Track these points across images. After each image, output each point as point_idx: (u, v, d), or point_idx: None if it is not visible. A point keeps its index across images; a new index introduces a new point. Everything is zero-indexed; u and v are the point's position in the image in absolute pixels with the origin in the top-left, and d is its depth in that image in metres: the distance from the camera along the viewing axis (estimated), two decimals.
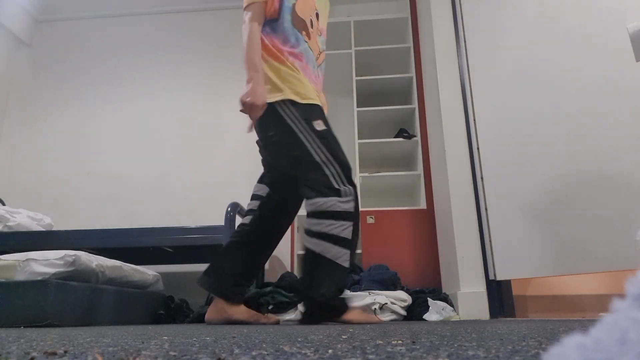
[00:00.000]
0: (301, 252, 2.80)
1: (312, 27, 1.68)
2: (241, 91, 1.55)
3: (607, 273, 2.00)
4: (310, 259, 1.47)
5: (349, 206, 1.46)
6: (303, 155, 1.50)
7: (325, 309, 1.46)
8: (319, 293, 1.43)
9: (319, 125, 1.52)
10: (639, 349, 0.17)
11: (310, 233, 1.47)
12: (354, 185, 1.51)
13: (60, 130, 3.51)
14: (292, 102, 1.54)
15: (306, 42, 1.64)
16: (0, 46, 3.52)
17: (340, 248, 1.44)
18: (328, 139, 1.52)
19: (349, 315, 1.47)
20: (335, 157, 1.50)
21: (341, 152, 1.54)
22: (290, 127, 1.53)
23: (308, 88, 1.59)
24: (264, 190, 1.72)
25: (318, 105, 1.60)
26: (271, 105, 1.55)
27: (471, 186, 2.28)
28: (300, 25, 1.65)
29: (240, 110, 1.55)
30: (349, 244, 1.46)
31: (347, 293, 1.93)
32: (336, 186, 1.47)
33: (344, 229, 1.44)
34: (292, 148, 1.53)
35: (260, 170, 3.26)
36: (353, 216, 1.47)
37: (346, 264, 1.44)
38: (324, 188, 1.47)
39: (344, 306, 1.48)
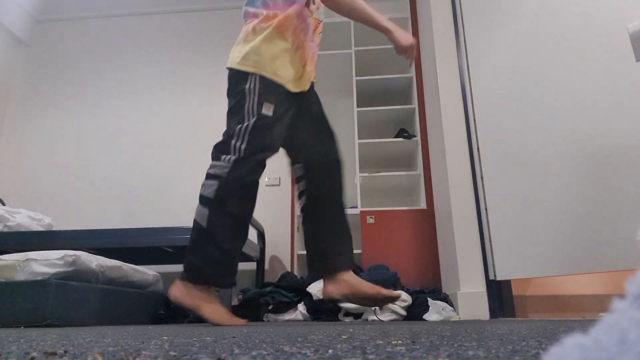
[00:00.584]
0: (301, 252, 2.80)
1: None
2: (398, 35, 1.57)
3: (607, 273, 2.00)
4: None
5: (219, 171, 1.52)
6: (233, 122, 1.55)
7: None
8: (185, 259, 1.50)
9: (267, 109, 1.53)
10: (639, 349, 0.17)
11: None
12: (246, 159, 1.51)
13: (60, 130, 3.51)
14: (262, 77, 1.55)
15: (310, 13, 1.66)
16: (0, 46, 3.52)
17: (200, 206, 1.52)
18: (264, 124, 1.52)
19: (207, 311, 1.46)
20: (251, 138, 1.51)
21: (268, 138, 1.52)
22: (244, 98, 1.55)
23: (288, 69, 1.58)
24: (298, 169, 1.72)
25: (283, 86, 1.57)
26: (244, 72, 1.56)
27: (471, 186, 2.28)
28: None
29: (400, 54, 1.60)
30: (208, 202, 1.51)
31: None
32: (227, 153, 1.53)
33: (205, 187, 1.54)
34: (234, 113, 1.56)
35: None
36: (220, 179, 1.52)
37: (203, 223, 1.48)
38: (218, 150, 1.56)
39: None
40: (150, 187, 3.29)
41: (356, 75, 3.09)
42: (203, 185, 1.55)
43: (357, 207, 2.75)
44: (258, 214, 2.94)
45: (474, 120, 2.34)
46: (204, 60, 3.60)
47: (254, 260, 2.82)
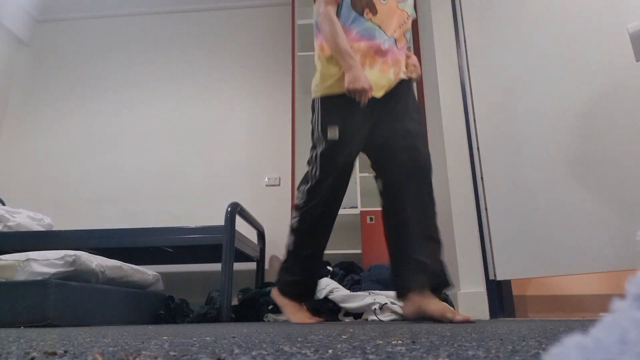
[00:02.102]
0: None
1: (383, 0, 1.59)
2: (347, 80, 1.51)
3: (607, 273, 2.00)
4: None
5: (299, 202, 1.66)
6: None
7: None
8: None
9: (332, 133, 1.55)
10: (639, 349, 0.17)
11: None
12: (315, 190, 1.61)
13: (60, 130, 3.51)
14: (322, 98, 1.59)
15: (369, 20, 1.56)
16: (0, 46, 3.52)
17: (289, 235, 1.69)
18: (332, 149, 1.58)
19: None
20: (323, 165, 1.60)
21: (340, 161, 1.59)
22: (313, 126, 1.65)
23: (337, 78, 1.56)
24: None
25: (345, 97, 1.51)
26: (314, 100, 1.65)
27: (471, 186, 2.28)
28: (360, 5, 1.56)
29: (349, 95, 1.53)
30: (293, 231, 1.67)
31: (321, 288, 2.05)
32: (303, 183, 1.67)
33: (292, 218, 1.68)
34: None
35: (259, 171, 3.27)
36: (298, 208, 1.66)
37: (289, 247, 1.68)
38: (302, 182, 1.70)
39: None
40: (150, 187, 3.29)
41: None
42: (292, 217, 1.69)
43: (357, 207, 2.75)
44: (258, 214, 2.94)
45: (474, 120, 2.34)
46: (204, 61, 3.60)
47: (254, 260, 2.82)
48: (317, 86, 1.60)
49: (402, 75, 1.62)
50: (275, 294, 1.73)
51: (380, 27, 1.57)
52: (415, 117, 1.61)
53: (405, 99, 1.61)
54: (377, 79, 1.54)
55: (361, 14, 1.56)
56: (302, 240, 1.65)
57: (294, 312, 1.67)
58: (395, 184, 1.56)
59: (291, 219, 1.68)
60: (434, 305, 1.46)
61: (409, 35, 1.76)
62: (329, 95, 1.57)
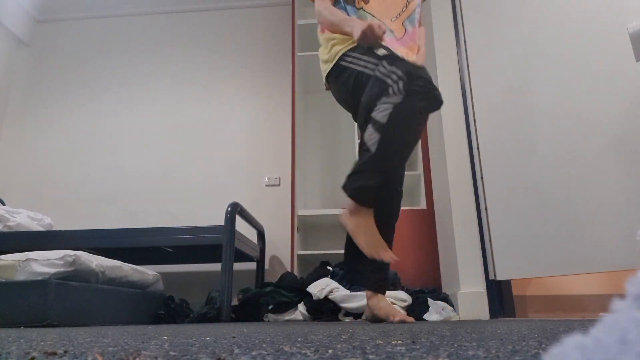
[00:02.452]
0: (301, 252, 2.80)
1: None
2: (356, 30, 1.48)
3: (607, 273, 2.00)
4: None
5: (394, 99, 1.42)
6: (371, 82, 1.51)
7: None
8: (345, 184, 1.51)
9: (379, 51, 1.51)
10: (639, 349, 0.17)
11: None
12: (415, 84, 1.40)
13: (60, 130, 3.51)
14: (350, 50, 1.58)
15: (361, 9, 1.63)
16: (0, 46, 3.52)
17: (372, 129, 1.43)
18: (389, 57, 1.48)
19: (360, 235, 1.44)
20: (397, 67, 1.43)
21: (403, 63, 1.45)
22: (355, 69, 1.56)
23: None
24: None
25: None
26: (335, 65, 1.63)
27: (471, 186, 2.28)
28: None
29: (364, 44, 1.51)
30: (382, 127, 1.41)
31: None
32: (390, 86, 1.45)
33: (380, 111, 1.42)
34: (364, 83, 1.53)
35: (259, 171, 3.27)
36: (394, 104, 1.41)
37: (372, 148, 1.43)
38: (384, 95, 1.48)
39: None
40: (150, 187, 3.29)
41: None
42: (376, 110, 1.43)
43: None
44: (258, 214, 2.94)
45: (474, 120, 2.34)
46: (204, 61, 3.60)
47: (254, 260, 2.82)
48: (333, 48, 1.63)
49: None
50: (345, 215, 1.48)
51: (374, 16, 1.61)
52: None
53: None
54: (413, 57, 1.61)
55: (353, 3, 1.62)
56: (392, 139, 1.42)
57: (367, 238, 1.43)
58: None
59: (377, 112, 1.42)
60: (381, 309, 1.55)
61: (414, 20, 1.68)
62: (350, 48, 1.58)
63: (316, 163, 3.29)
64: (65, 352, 0.49)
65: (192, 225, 2.35)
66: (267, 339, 0.66)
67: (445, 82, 2.46)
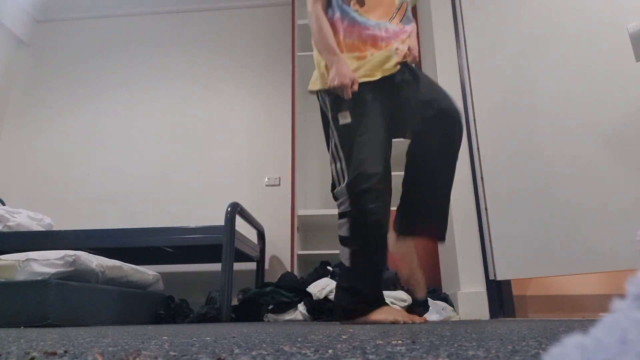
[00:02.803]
0: (301, 252, 2.80)
1: None
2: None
3: (607, 273, 2.00)
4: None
5: (343, 207, 1.46)
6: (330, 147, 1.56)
7: (338, 310, 1.48)
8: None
9: (343, 118, 1.49)
10: (639, 349, 0.17)
11: None
12: (364, 181, 1.41)
13: (60, 130, 3.51)
14: (325, 91, 1.55)
15: (356, 11, 1.57)
16: (0, 46, 3.52)
17: (341, 247, 1.47)
18: (348, 134, 1.47)
19: (375, 316, 1.39)
20: (345, 154, 1.48)
21: (358, 148, 1.44)
22: (326, 117, 1.58)
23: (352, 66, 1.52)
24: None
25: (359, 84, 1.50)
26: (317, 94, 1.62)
27: (471, 186, 2.28)
28: None
29: (335, 93, 1.50)
30: (346, 241, 1.44)
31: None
32: (336, 185, 1.50)
33: (340, 226, 1.46)
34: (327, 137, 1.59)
35: (259, 171, 3.27)
36: (349, 214, 1.44)
37: (346, 262, 1.44)
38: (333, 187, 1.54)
39: (361, 307, 1.42)
40: (150, 187, 3.29)
41: None
42: (338, 226, 1.48)
43: None
44: (258, 214, 2.94)
45: (474, 120, 2.34)
46: (204, 60, 3.60)
47: (254, 260, 2.82)
48: (317, 78, 1.60)
49: (402, 59, 1.57)
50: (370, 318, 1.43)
51: (368, 21, 1.58)
52: (437, 88, 1.57)
53: (416, 79, 1.57)
54: (376, 62, 1.53)
55: (348, 4, 1.58)
56: (364, 248, 1.44)
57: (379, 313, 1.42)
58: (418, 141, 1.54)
59: (339, 224, 1.48)
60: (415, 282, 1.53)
61: (409, 18, 1.66)
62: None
63: (316, 163, 3.29)
64: (65, 352, 0.49)
65: (192, 225, 2.35)
66: (267, 339, 0.66)
67: (445, 82, 2.46)
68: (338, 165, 1.49)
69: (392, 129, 1.55)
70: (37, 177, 3.39)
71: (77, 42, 3.75)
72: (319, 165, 3.30)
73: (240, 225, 2.42)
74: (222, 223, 2.24)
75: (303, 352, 0.46)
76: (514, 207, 2.10)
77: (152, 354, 0.46)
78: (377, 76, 1.52)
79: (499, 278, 2.11)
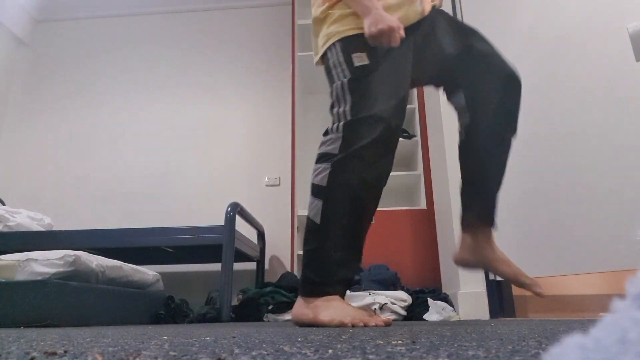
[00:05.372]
0: (301, 252, 2.80)
1: None
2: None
3: (607, 273, 2.00)
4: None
5: (328, 148, 1.21)
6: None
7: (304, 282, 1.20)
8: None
9: (359, 60, 1.23)
10: (639, 349, 0.17)
11: None
12: (369, 121, 1.16)
13: (60, 130, 3.51)
14: (338, 41, 1.28)
15: None
16: (0, 46, 3.52)
17: (312, 198, 1.21)
18: (363, 75, 1.22)
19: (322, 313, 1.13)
20: (353, 96, 1.21)
21: (373, 88, 1.20)
22: (330, 69, 1.30)
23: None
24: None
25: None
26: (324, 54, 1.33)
27: None
28: None
29: (373, 43, 1.22)
30: (321, 192, 1.18)
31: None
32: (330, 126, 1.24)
33: (318, 171, 1.20)
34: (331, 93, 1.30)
35: (259, 171, 3.27)
36: (329, 158, 1.19)
37: (316, 218, 1.17)
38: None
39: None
40: (150, 187, 3.29)
41: None
42: (313, 171, 1.22)
43: None
44: (258, 214, 2.94)
45: None
46: (204, 60, 3.60)
47: (254, 260, 2.82)
48: (327, 36, 1.30)
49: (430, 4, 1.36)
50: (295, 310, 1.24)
51: None
52: (477, 35, 1.36)
53: (449, 20, 1.38)
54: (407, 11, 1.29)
55: None
56: (335, 209, 1.19)
57: (330, 312, 1.14)
58: (481, 99, 1.29)
59: (313, 174, 1.24)
60: (504, 263, 1.27)
61: None
62: (346, 36, 1.26)
63: None
64: (65, 352, 0.49)
65: (192, 225, 2.35)
66: (267, 339, 0.66)
67: None
68: (341, 108, 1.23)
69: (417, 73, 1.31)
70: (37, 177, 3.39)
71: (77, 42, 3.75)
72: None
73: (240, 225, 2.42)
74: (222, 223, 2.24)
75: (303, 352, 0.46)
76: (513, 207, 2.10)
77: (152, 354, 0.46)
78: (413, 19, 1.28)
79: (499, 278, 2.11)
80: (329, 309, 1.12)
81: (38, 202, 3.23)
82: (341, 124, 1.20)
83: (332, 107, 1.27)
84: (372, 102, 1.18)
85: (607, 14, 1.83)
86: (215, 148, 3.37)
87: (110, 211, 3.24)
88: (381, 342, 0.58)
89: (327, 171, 1.17)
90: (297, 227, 2.80)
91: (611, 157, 1.77)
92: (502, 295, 2.12)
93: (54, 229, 2.72)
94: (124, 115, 3.51)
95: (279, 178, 3.23)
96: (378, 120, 1.16)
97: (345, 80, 1.23)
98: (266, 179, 3.24)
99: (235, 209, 2.31)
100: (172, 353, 0.47)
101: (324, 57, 1.34)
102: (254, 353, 0.46)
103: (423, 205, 2.75)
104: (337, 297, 1.17)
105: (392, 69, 1.24)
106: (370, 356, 0.41)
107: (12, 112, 3.58)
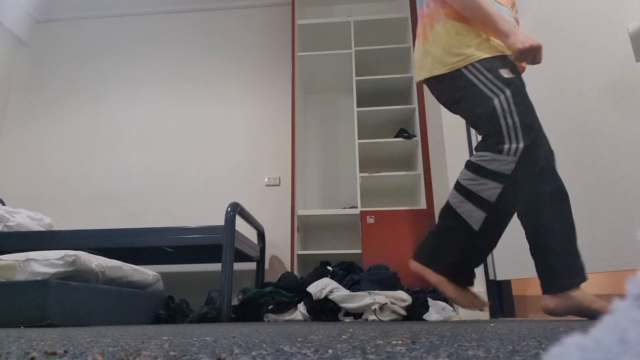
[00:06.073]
0: (301, 252, 2.80)
1: None
2: (513, 44, 1.34)
3: (607, 273, 2.00)
4: (445, 212, 1.38)
5: (505, 168, 1.28)
6: (484, 105, 1.36)
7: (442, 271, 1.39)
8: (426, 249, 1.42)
9: (506, 73, 1.37)
10: (639, 349, 0.17)
11: (455, 185, 1.37)
12: (533, 145, 1.29)
13: (60, 130, 3.51)
14: (478, 61, 1.40)
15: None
16: (0, 46, 3.52)
17: (472, 207, 1.32)
18: (519, 88, 1.36)
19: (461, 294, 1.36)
20: (518, 108, 1.32)
21: (527, 107, 1.34)
22: (473, 82, 1.39)
23: (493, 41, 1.43)
24: None
25: (505, 56, 1.42)
26: (457, 71, 1.43)
27: None
28: None
29: (520, 61, 1.37)
30: (487, 205, 1.30)
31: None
32: (504, 141, 1.31)
33: (486, 188, 1.30)
34: (474, 101, 1.39)
35: (259, 171, 3.27)
36: (505, 179, 1.28)
37: (475, 226, 1.31)
38: (493, 141, 1.33)
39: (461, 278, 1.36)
40: (150, 187, 3.29)
41: (356, 75, 3.09)
42: (477, 181, 1.32)
43: (357, 207, 2.75)
44: (258, 214, 2.94)
45: None
46: (204, 60, 3.60)
47: (254, 260, 2.82)
48: (456, 56, 1.42)
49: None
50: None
51: (503, 5, 1.50)
52: None
53: None
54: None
55: None
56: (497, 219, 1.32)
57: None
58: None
59: (475, 185, 1.31)
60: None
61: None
62: (482, 58, 1.39)
63: (316, 163, 3.29)
64: (65, 352, 0.49)
65: (192, 225, 2.36)
66: (267, 339, 0.65)
67: None
68: (509, 120, 1.31)
69: None
70: (37, 177, 3.39)
71: (77, 42, 3.75)
72: (319, 165, 3.30)
73: (240, 225, 2.42)
74: (222, 223, 2.24)
75: (303, 352, 0.46)
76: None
77: (152, 354, 0.46)
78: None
79: (499, 278, 2.11)
80: (465, 296, 1.40)
81: (38, 202, 3.24)
82: (519, 149, 1.28)
83: (496, 115, 1.34)
84: (537, 126, 1.33)
85: (607, 14, 1.83)
86: (215, 148, 3.37)
87: (110, 211, 3.24)
88: (381, 342, 0.58)
89: (499, 190, 1.29)
90: (297, 227, 2.80)
91: (611, 157, 1.77)
92: (502, 295, 2.12)
93: (54, 229, 2.72)
94: (124, 115, 3.51)
95: (279, 178, 3.23)
96: (550, 152, 1.34)
97: (507, 95, 1.34)
98: (266, 179, 3.24)
99: (235, 209, 2.31)
100: (172, 353, 0.47)
101: (446, 75, 1.45)
102: (254, 353, 0.46)
103: (423, 205, 2.75)
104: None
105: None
106: (370, 356, 0.41)
107: (12, 112, 3.58)
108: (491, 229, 1.33)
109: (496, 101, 1.34)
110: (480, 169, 1.32)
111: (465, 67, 1.41)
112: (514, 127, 1.31)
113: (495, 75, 1.37)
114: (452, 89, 1.45)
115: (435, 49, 1.47)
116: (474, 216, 1.31)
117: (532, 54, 1.33)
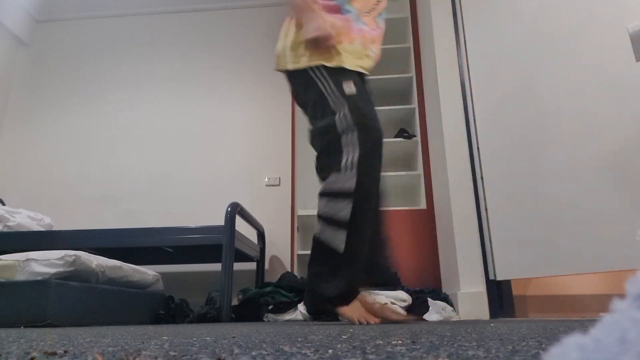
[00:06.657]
0: (301, 252, 2.80)
1: None
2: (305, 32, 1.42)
3: (607, 273, 2.00)
4: (313, 244, 1.40)
5: (345, 185, 1.33)
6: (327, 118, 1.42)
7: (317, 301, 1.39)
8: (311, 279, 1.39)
9: (348, 87, 1.42)
10: (639, 349, 0.17)
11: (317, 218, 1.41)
12: (372, 157, 1.35)
13: (60, 130, 3.51)
14: (323, 66, 1.46)
15: (347, 2, 1.52)
16: (0, 46, 3.52)
17: (332, 231, 1.34)
18: (356, 100, 1.41)
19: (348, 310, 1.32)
20: (357, 121, 1.37)
21: (370, 114, 1.41)
22: (319, 88, 1.45)
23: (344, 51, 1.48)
24: None
25: (348, 69, 1.48)
26: (304, 70, 1.49)
27: (471, 186, 2.28)
28: None
29: (312, 48, 1.44)
30: (344, 224, 1.32)
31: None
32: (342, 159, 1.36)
33: (337, 208, 1.33)
34: (319, 108, 1.45)
35: (259, 171, 3.27)
36: (351, 194, 1.32)
37: (339, 248, 1.32)
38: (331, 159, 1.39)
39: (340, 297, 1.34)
40: (150, 187, 3.29)
41: None
42: (328, 206, 1.35)
43: None
44: (258, 214, 2.94)
45: (474, 120, 2.34)
46: (204, 60, 3.60)
47: (254, 260, 2.82)
48: (307, 56, 1.48)
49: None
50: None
51: (354, 10, 1.55)
52: None
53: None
54: (360, 53, 1.51)
55: None
56: (361, 231, 1.35)
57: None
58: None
59: (334, 205, 1.34)
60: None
61: (382, 19, 1.64)
62: (329, 66, 1.46)
63: None
64: (65, 352, 0.49)
65: (192, 225, 2.35)
66: (267, 339, 0.66)
67: (446, 82, 2.46)
68: (342, 113, 1.39)
69: None
70: (37, 177, 3.39)
71: (77, 42, 3.75)
72: None
73: (240, 225, 2.42)
74: (222, 223, 2.24)
75: (303, 352, 0.46)
76: (513, 207, 2.10)
77: (152, 354, 0.46)
78: (363, 69, 1.53)
79: (499, 278, 2.11)
80: (354, 309, 1.36)
81: (38, 202, 3.23)
82: (355, 157, 1.34)
83: (334, 150, 1.38)
84: (371, 116, 1.42)
85: (607, 14, 1.83)
86: (215, 148, 3.37)
87: (110, 211, 3.24)
88: (381, 342, 0.58)
89: (350, 206, 1.33)
90: (297, 227, 2.80)
91: (611, 157, 1.77)
92: (502, 295, 2.12)
93: (54, 229, 2.71)
94: (124, 115, 3.51)
95: (279, 178, 3.23)
96: (380, 131, 1.41)
97: (345, 107, 1.40)
98: (266, 179, 3.24)
99: (235, 209, 2.31)
100: (172, 353, 0.47)
101: (297, 73, 1.52)
102: (254, 353, 0.46)
103: (423, 205, 2.75)
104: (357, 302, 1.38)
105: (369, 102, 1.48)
106: (370, 356, 0.41)
107: (12, 112, 3.58)
108: (356, 242, 1.33)
109: (337, 120, 1.39)
110: (328, 193, 1.36)
111: (313, 69, 1.48)
112: (352, 141, 1.36)
113: (337, 85, 1.43)
114: (303, 90, 1.52)
115: (289, 46, 1.55)
116: (337, 238, 1.32)
117: (322, 40, 1.40)
